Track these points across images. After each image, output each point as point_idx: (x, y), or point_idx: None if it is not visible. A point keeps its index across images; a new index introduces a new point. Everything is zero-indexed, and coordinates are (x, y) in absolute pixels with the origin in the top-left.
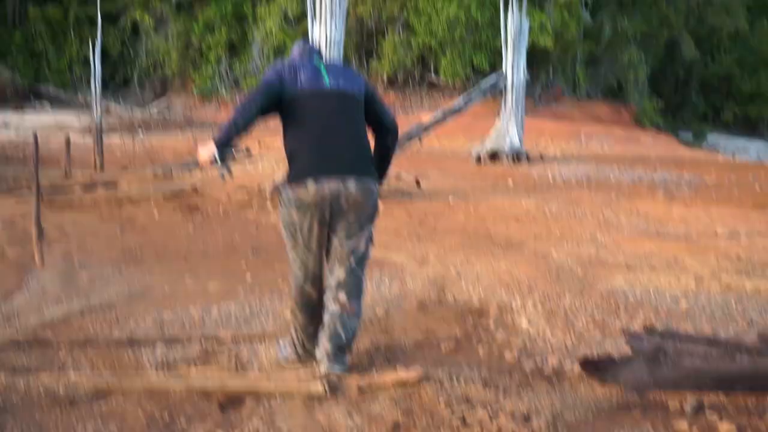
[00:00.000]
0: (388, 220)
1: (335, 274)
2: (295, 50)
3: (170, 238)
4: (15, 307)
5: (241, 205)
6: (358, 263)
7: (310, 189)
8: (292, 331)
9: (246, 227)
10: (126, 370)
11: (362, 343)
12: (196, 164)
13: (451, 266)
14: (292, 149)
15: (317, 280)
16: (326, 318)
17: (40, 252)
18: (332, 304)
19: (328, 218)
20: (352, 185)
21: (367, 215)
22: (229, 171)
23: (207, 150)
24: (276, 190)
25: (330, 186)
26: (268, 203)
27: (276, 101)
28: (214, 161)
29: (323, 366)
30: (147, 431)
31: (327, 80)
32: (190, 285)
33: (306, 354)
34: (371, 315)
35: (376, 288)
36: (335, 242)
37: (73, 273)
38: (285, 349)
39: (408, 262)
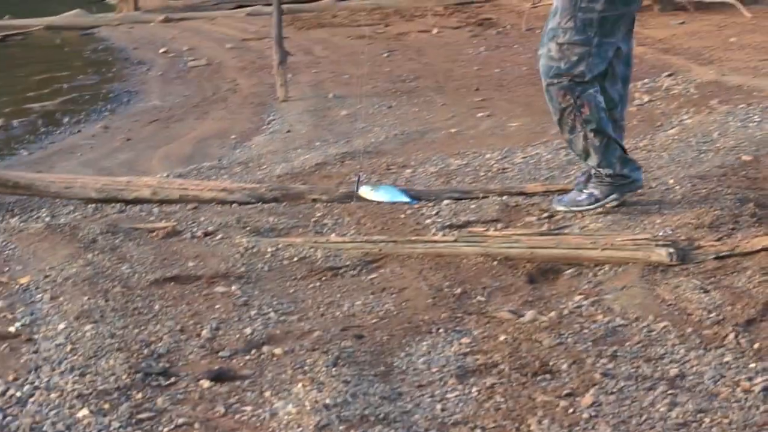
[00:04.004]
0: (754, 34)
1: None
2: None
3: (455, 62)
4: (255, 153)
5: None
6: None
7: None
8: (605, 150)
9: None
10: (403, 232)
11: (722, 197)
12: None
13: None
14: None
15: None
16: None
17: (283, 82)
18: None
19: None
20: None
21: None
22: None
23: None
24: None
25: None
26: None
27: None
28: None
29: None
30: (432, 308)
31: None
32: (483, 123)
33: (616, 184)
34: (733, 161)
35: (740, 126)
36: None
37: (326, 108)
38: (591, 193)
39: None
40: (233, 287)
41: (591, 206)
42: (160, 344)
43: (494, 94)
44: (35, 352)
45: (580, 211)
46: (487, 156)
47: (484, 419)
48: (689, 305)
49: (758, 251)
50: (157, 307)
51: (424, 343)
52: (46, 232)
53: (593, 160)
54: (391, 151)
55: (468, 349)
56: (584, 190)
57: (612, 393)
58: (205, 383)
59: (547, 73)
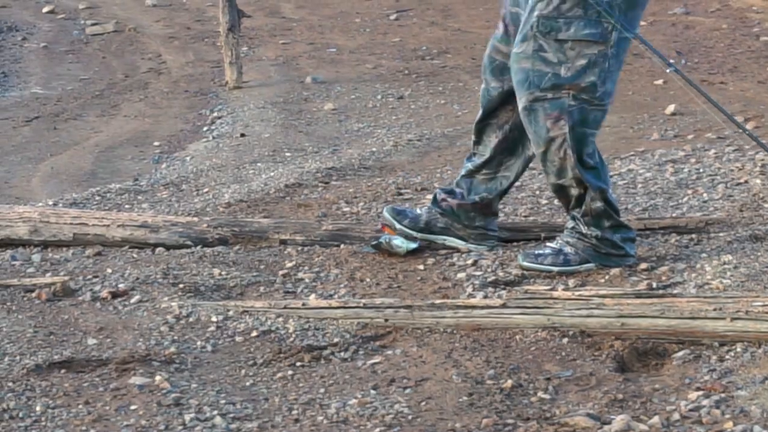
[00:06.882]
0: None
1: None
2: None
3: None
4: (191, 169)
5: None
6: None
7: None
8: (596, 212)
9: None
10: (423, 293)
11: None
12: None
13: None
14: None
15: None
16: None
17: (234, 59)
18: None
19: None
20: None
21: None
22: None
23: None
24: None
25: None
26: None
27: None
28: None
29: None
30: (467, 411)
31: None
32: None
33: (601, 250)
34: None
35: None
36: None
37: (301, 100)
38: (560, 250)
39: None
40: (158, 377)
41: (554, 268)
42: None
43: None
44: None
45: (540, 271)
46: None
47: None
48: None
49: None
50: (39, 408)
51: None
52: None
53: (578, 212)
54: (403, 165)
55: None
56: (549, 244)
57: None
58: None
59: (535, 83)
